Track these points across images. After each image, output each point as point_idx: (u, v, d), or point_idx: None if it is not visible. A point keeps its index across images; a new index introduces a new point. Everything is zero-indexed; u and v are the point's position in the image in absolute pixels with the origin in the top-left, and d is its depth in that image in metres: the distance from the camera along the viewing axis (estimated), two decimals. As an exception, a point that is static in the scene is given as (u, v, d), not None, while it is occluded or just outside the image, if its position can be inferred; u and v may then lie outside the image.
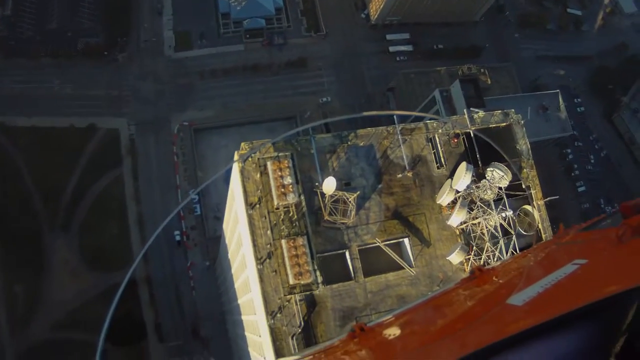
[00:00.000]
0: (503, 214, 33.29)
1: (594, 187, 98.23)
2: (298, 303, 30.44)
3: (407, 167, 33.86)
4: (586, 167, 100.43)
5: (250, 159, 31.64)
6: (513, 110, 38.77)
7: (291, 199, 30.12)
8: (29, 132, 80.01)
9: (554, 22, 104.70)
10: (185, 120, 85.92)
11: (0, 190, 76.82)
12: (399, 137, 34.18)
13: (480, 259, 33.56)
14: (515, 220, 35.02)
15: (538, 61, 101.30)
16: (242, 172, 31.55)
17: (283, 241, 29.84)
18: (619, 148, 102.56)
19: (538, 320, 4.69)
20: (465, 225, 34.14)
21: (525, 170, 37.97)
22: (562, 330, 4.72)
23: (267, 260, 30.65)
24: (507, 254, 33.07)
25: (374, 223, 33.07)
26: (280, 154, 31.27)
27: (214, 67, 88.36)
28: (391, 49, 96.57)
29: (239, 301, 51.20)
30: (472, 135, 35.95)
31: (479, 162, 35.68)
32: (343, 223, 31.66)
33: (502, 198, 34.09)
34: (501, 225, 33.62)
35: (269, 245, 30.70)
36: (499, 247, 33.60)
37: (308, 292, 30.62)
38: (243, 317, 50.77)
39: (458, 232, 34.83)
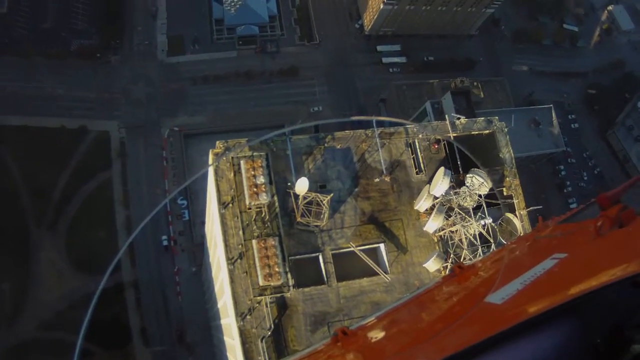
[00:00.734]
0: (482, 222, 32.73)
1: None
2: (268, 305, 29.81)
3: (384, 172, 33.34)
4: (579, 184, 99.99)
5: (224, 158, 31.14)
6: (497, 117, 38.33)
7: (263, 199, 29.57)
8: (19, 131, 79.71)
9: (549, 37, 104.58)
10: (176, 125, 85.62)
11: (-12, 188, 76.40)
12: (378, 140, 33.70)
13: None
14: (497, 229, 34.48)
15: (533, 76, 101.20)
16: (216, 170, 31.05)
17: (254, 241, 29.27)
18: (612, 166, 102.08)
19: (518, 319, 4.57)
20: (443, 232, 33.59)
21: (508, 179, 37.48)
22: (543, 326, 4.63)
23: (238, 260, 30.07)
24: (485, 262, 32.42)
25: (349, 227, 32.48)
26: (254, 154, 30.80)
27: (206, 73, 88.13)
28: (384, 60, 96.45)
29: (219, 305, 50.56)
30: (452, 141, 35.51)
31: (460, 169, 35.20)
32: (316, 225, 31.09)
33: (482, 206, 33.62)
34: (480, 233, 33.08)
35: (240, 246, 30.10)
36: (477, 255, 33.06)
37: (279, 295, 29.99)
38: (222, 321, 50.11)
39: (436, 240, 34.25)
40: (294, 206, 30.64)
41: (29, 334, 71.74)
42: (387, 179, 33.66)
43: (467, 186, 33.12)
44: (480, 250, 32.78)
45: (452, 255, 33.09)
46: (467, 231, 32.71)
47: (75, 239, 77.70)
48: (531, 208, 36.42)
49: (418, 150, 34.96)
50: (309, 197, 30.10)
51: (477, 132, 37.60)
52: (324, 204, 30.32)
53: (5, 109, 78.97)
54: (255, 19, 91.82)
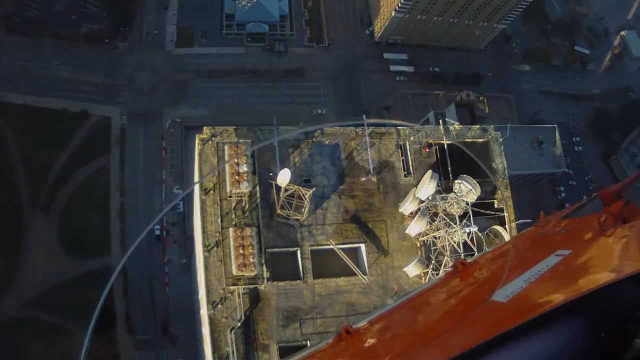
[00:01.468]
0: (467, 229, 32.15)
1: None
2: (241, 296, 29.36)
3: (372, 171, 32.89)
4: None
5: (210, 142, 30.78)
6: (492, 126, 37.87)
7: (244, 187, 29.19)
8: (21, 110, 79.53)
9: (560, 58, 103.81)
10: (178, 117, 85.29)
11: (-15, 163, 76.27)
12: (367, 139, 33.26)
13: (438, 274, 32.41)
14: (483, 239, 33.93)
15: (540, 96, 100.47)
16: (200, 154, 30.69)
17: (231, 229, 28.87)
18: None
19: (523, 319, 4.52)
20: (426, 237, 33.05)
21: (499, 190, 36.96)
22: (548, 324, 4.56)
23: (215, 248, 29.67)
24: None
25: (330, 224, 32.04)
26: (240, 141, 30.43)
27: (213, 67, 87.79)
28: (392, 68, 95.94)
29: (199, 296, 50.10)
30: (445, 146, 35.04)
31: (450, 175, 34.68)
32: (296, 219, 30.65)
33: (472, 214, 33.06)
34: (465, 242, 32.51)
35: (217, 234, 29.71)
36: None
37: (252, 286, 29.54)
38: (200, 313, 49.62)
39: (419, 245, 33.75)
40: (275, 198, 30.22)
41: (12, 312, 71.35)
42: (374, 179, 33.23)
43: (455, 192, 32.58)
44: (462, 257, 32.11)
45: (433, 262, 32.56)
46: (451, 238, 32.14)
47: (68, 221, 77.34)
48: (520, 221, 35.85)
49: (408, 153, 34.54)
50: (291, 189, 29.68)
51: (471, 140, 37.15)
52: (305, 198, 29.87)
53: (9, 86, 78.90)
54: (266, 17, 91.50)
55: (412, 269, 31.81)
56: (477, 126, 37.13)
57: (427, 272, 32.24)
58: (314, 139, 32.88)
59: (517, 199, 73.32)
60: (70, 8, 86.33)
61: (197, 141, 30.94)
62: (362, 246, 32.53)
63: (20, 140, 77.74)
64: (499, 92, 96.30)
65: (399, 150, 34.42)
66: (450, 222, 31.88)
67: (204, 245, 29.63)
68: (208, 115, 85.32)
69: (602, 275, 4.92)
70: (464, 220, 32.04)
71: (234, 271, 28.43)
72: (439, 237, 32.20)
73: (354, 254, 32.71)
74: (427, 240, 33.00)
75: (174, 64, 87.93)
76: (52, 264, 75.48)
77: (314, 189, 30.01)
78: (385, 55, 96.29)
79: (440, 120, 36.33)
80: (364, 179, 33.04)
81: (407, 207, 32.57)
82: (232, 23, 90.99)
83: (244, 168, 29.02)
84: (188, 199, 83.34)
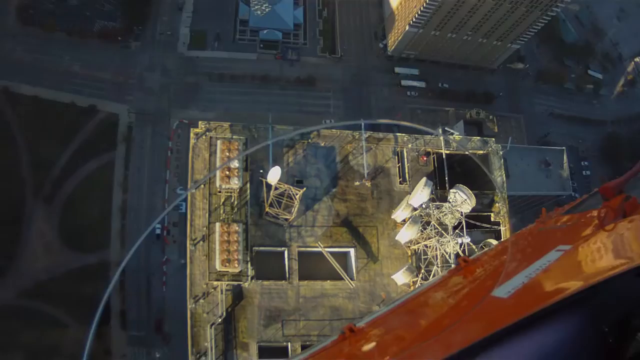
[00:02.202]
0: (459, 240, 31.59)
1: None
2: (224, 292, 28.98)
3: (366, 176, 32.49)
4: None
5: (204, 137, 30.56)
6: (493, 139, 37.44)
7: (234, 183, 28.90)
8: (30, 101, 79.83)
9: (572, 81, 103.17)
10: (186, 118, 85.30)
11: (-9, 151, 76.54)
12: (364, 144, 32.90)
13: (428, 284, 31.85)
14: (476, 251, 33.33)
15: (551, 118, 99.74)
16: (193, 148, 30.47)
17: (217, 224, 28.52)
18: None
19: (525, 313, 4.52)
20: (417, 246, 32.54)
21: (497, 204, 36.46)
22: (550, 318, 4.56)
23: (201, 242, 29.37)
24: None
25: (320, 227, 31.61)
26: (233, 137, 30.16)
27: (223, 71, 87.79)
28: (403, 82, 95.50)
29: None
30: (443, 156, 34.62)
31: (447, 185, 34.23)
32: (285, 219, 30.26)
33: (467, 225, 32.51)
34: (457, 253, 31.94)
35: (205, 228, 29.40)
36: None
37: (236, 283, 29.15)
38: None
39: (410, 253, 33.24)
40: (265, 195, 29.88)
41: (7, 300, 71.25)
42: (368, 184, 32.84)
43: (449, 202, 32.10)
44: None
45: (423, 271, 32.02)
46: (442, 248, 31.60)
47: (69, 214, 77.32)
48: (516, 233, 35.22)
49: (405, 160, 34.16)
50: (281, 188, 29.32)
51: (471, 151, 36.70)
52: (295, 198, 29.49)
53: (20, 77, 79.34)
54: (280, 24, 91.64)
55: (401, 277, 31.29)
56: (478, 137, 36.70)
57: (416, 281, 31.66)
58: (309, 140, 32.56)
59: (521, 219, 72.89)
60: (85, 4, 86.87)
61: (191, 135, 30.75)
62: (352, 251, 32.08)
63: (27, 130, 78.05)
64: (510, 112, 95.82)
65: (396, 157, 34.04)
66: (443, 232, 31.36)
67: (190, 239, 29.37)
68: (216, 118, 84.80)
69: (602, 270, 4.87)
70: (457, 231, 31.49)
71: (218, 266, 28.07)
72: (430, 246, 31.67)
73: (342, 258, 32.26)
74: (418, 249, 32.49)
75: (185, 65, 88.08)
76: (50, 256, 75.50)
77: (304, 189, 29.66)
78: (397, 70, 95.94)
79: (440, 129, 35.71)
80: (357, 183, 32.66)
81: (400, 214, 32.11)
82: (245, 29, 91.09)
83: (235, 163, 28.73)
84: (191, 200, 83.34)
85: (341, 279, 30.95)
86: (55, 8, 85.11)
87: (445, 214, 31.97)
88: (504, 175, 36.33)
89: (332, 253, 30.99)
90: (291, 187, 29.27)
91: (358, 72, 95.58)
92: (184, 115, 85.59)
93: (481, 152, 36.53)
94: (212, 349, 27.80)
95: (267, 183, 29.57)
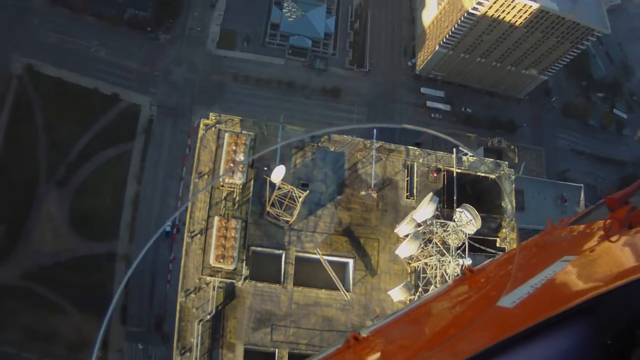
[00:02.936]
0: (460, 261, 30.78)
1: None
2: (216, 289, 28.45)
3: (372, 186, 31.87)
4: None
5: (213, 129, 30.23)
6: (506, 163, 36.66)
7: (238, 178, 28.45)
8: (53, 82, 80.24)
9: (597, 118, 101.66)
10: (207, 117, 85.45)
11: (11, 128, 76.80)
12: (374, 153, 32.33)
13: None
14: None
15: (572, 154, 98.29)
16: (201, 139, 30.15)
17: (216, 218, 28.07)
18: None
19: (529, 323, 4.51)
20: (418, 263, 31.78)
21: (504, 230, 35.61)
22: (554, 329, 4.56)
23: (198, 235, 28.94)
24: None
25: (321, 233, 30.99)
26: (242, 132, 29.78)
27: (250, 73, 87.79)
28: (429, 104, 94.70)
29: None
30: (454, 174, 33.92)
31: (454, 204, 33.48)
32: (286, 220, 29.71)
33: (470, 248, 31.70)
34: (457, 275, 31.18)
35: (204, 221, 28.97)
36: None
37: (229, 281, 28.60)
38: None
39: (409, 270, 32.48)
40: (267, 194, 29.40)
41: (10, 280, 71.32)
42: (374, 194, 32.23)
43: (454, 221, 31.33)
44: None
45: (420, 290, 31.23)
46: (443, 268, 30.80)
47: (81, 200, 77.32)
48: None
49: (415, 174, 33.49)
50: (285, 188, 28.82)
51: (483, 174, 35.95)
52: (298, 200, 28.96)
53: (45, 57, 79.96)
54: (311, 32, 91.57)
55: (397, 294, 30.51)
56: (490, 160, 35.91)
57: (413, 299, 30.86)
58: (319, 144, 32.07)
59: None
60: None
61: (200, 125, 30.46)
62: (351, 262, 31.40)
63: (48, 112, 78.40)
64: (532, 143, 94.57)
65: (406, 170, 33.38)
66: (445, 251, 30.57)
67: (189, 231, 28.93)
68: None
69: (607, 280, 4.85)
70: (459, 251, 30.68)
71: (212, 261, 27.59)
72: (430, 264, 30.88)
73: (340, 268, 31.59)
74: (418, 267, 31.72)
75: (212, 63, 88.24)
76: (58, 240, 75.44)
77: (307, 191, 29.13)
78: (423, 90, 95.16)
79: (455, 149, 35.08)
80: (363, 192, 32.07)
81: (403, 228, 31.41)
82: (276, 33, 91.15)
83: (240, 157, 28.32)
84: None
85: (336, 289, 30.27)
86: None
87: (449, 234, 31.20)
88: (514, 201, 35.37)
89: (330, 262, 30.36)
90: (295, 188, 28.76)
91: (384, 88, 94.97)
92: (206, 113, 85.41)
93: (493, 175, 35.69)
94: (197, 346, 27.24)
95: (271, 182, 29.09)
